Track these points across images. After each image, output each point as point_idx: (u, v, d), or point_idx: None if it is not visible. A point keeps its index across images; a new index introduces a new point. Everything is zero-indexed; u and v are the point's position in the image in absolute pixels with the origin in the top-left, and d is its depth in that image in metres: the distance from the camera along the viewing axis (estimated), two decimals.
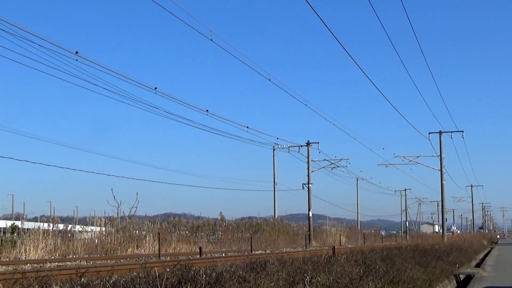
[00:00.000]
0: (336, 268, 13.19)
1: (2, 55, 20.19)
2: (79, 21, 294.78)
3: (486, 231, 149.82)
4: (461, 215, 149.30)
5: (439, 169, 53.21)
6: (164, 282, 8.38)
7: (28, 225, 28.89)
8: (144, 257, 21.88)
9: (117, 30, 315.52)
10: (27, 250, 22.73)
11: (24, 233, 25.83)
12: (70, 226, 29.03)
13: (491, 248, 57.07)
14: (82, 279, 10.21)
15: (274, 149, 55.66)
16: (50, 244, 24.17)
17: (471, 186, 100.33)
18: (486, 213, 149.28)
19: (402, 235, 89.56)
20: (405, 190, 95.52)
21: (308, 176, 49.39)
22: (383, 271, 14.97)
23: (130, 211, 30.13)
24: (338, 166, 54.50)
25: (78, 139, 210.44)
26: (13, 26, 18.98)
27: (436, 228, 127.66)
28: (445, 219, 58.97)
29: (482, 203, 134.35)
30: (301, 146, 50.41)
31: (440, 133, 53.07)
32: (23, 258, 21.40)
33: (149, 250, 28.01)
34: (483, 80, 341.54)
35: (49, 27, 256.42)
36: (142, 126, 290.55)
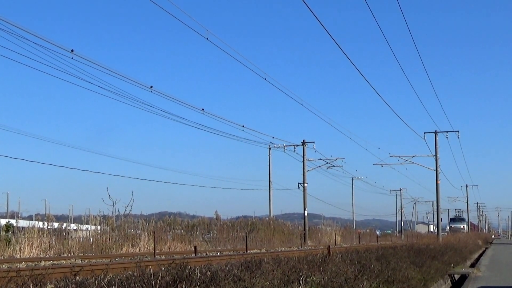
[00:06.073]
0: (331, 268, 13.19)
1: None
2: (75, 19, 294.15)
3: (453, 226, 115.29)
4: (456, 215, 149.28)
5: (434, 169, 53.35)
6: (159, 281, 8.37)
7: (23, 223, 28.86)
8: (139, 256, 21.86)
9: (113, 28, 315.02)
10: (22, 249, 22.68)
11: (19, 231, 25.77)
12: (65, 224, 28.97)
13: (486, 248, 57.21)
14: (77, 277, 10.19)
15: (269, 148, 55.74)
16: (45, 243, 24.12)
17: (466, 186, 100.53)
18: (481, 213, 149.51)
19: (397, 234, 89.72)
20: (401, 189, 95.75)
21: (303, 175, 49.42)
22: (378, 270, 14.99)
23: (125, 210, 30.10)
24: (334, 166, 54.62)
25: (73, 137, 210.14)
26: (7, 23, 18.94)
27: (431, 228, 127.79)
28: (440, 219, 59.15)
29: (477, 203, 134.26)
30: (297, 145, 50.47)
31: (436, 133, 53.22)
32: (18, 257, 21.36)
33: (144, 249, 27.99)
34: (479, 80, 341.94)
35: (45, 25, 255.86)
36: (138, 124, 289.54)
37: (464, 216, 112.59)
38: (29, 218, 36.51)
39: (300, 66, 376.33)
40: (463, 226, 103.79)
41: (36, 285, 7.89)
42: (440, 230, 58.53)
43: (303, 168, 49.58)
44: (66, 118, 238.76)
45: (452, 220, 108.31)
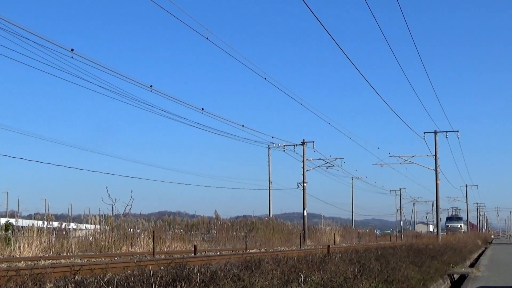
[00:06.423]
0: (331, 267, 13.19)
1: None
2: (75, 19, 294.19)
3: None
4: (453, 213, 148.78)
5: (434, 168, 53.37)
6: (159, 280, 8.37)
7: (23, 222, 28.79)
8: (138, 255, 21.85)
9: (113, 28, 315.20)
10: (21, 248, 22.66)
11: (19, 230, 25.74)
12: (64, 224, 28.95)
13: (485, 248, 57.22)
14: (76, 276, 10.20)
15: (269, 148, 55.71)
16: (44, 242, 24.10)
17: (466, 186, 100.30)
18: (480, 213, 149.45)
19: (397, 234, 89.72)
20: (400, 189, 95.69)
21: (303, 175, 49.42)
22: (378, 270, 14.99)
23: (125, 209, 30.09)
24: (333, 166, 54.67)
25: (73, 136, 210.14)
26: (7, 22, 18.93)
27: (431, 228, 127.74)
28: (439, 219, 59.15)
29: (477, 203, 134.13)
30: (296, 145, 50.47)
31: (435, 132, 53.23)
32: (17, 256, 21.35)
33: (143, 248, 27.98)
34: (479, 80, 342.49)
35: (45, 24, 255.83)
36: (138, 124, 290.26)
37: (462, 215, 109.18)
38: (29, 217, 36.38)
39: (300, 66, 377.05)
40: (460, 226, 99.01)
41: (36, 284, 7.89)
42: (440, 230, 58.54)
43: (303, 167, 49.58)
44: (65, 117, 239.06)
45: (449, 219, 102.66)
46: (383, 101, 33.31)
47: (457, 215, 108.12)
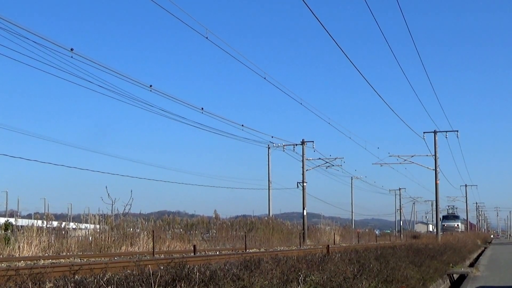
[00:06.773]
0: (330, 267, 13.20)
1: None
2: (75, 18, 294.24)
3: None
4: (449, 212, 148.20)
5: (434, 168, 53.37)
6: (158, 280, 8.37)
7: (22, 222, 28.77)
8: (138, 255, 21.84)
9: (112, 27, 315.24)
10: (21, 247, 22.65)
11: (18, 230, 25.73)
12: (64, 223, 28.93)
13: (485, 248, 57.26)
14: (76, 276, 10.18)
15: (269, 148, 55.67)
16: (44, 241, 24.09)
17: (465, 185, 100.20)
18: (480, 212, 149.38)
19: (396, 234, 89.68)
20: (400, 189, 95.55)
21: (302, 174, 49.41)
22: (377, 270, 15.00)
23: (125, 209, 30.05)
24: (333, 165, 54.66)
25: (72, 136, 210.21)
26: (7, 22, 18.93)
27: (430, 228, 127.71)
28: (439, 219, 59.18)
29: (476, 203, 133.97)
30: (296, 144, 50.46)
31: (435, 132, 53.23)
32: (17, 255, 21.34)
33: (143, 248, 27.98)
34: (478, 80, 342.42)
35: (44, 24, 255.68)
36: (137, 123, 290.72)
37: (459, 213, 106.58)
38: (28, 216, 36.37)
39: (299, 65, 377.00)
40: (457, 225, 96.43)
41: (35, 284, 7.88)
42: (439, 230, 58.56)
43: (303, 167, 49.58)
44: (65, 117, 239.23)
45: (445, 218, 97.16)
46: (383, 101, 33.28)
47: (454, 213, 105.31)
